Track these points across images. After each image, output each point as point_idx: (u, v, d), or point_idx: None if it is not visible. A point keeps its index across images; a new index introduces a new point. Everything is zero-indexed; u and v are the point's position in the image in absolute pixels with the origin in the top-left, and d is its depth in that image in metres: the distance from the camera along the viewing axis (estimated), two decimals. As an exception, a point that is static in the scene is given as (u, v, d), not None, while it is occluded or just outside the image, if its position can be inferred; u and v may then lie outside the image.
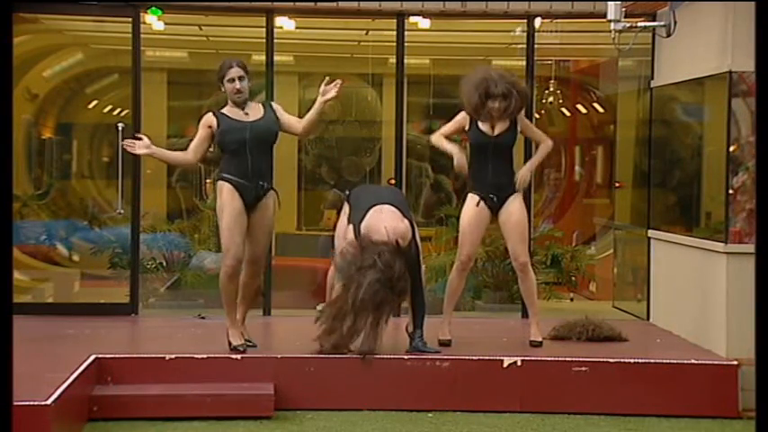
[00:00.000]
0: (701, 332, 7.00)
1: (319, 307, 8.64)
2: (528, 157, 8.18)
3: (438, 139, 6.86)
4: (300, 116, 6.70)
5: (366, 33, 9.13)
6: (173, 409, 5.98)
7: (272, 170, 6.65)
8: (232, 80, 6.40)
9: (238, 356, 6.33)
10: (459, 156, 6.69)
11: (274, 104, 6.67)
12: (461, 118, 6.82)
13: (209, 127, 6.45)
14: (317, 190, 10.67)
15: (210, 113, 6.50)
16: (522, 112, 6.81)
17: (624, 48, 7.64)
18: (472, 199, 6.79)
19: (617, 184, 9.30)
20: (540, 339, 6.85)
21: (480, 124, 6.74)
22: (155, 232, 9.21)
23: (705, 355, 6.68)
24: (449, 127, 6.87)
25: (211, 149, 6.55)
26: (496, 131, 6.71)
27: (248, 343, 6.54)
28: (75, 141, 10.28)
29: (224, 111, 6.50)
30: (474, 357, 6.46)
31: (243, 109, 6.45)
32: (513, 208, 6.76)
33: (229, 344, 6.45)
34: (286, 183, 9.66)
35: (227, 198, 6.37)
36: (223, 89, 6.48)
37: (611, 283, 9.34)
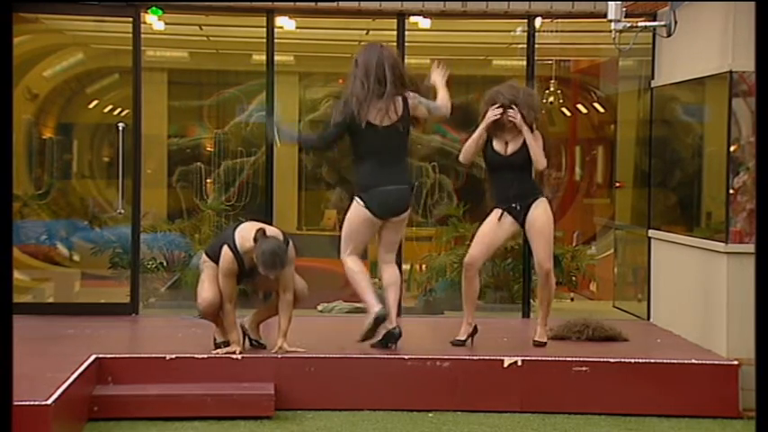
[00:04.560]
0: (702, 332, 7.00)
1: (320, 307, 8.68)
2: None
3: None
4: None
5: (366, 33, 9.12)
6: (173, 409, 5.99)
7: None
8: (267, 274, 6.23)
9: (239, 356, 6.34)
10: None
11: (290, 256, 6.31)
12: (487, 122, 6.75)
13: (233, 274, 6.33)
14: (318, 190, 10.67)
15: (233, 258, 6.25)
16: (530, 131, 6.71)
17: (624, 48, 7.64)
18: (494, 213, 6.81)
19: (617, 184, 9.30)
20: (544, 340, 6.86)
21: (494, 143, 6.75)
22: (155, 232, 9.21)
23: (705, 354, 6.68)
24: (476, 133, 6.79)
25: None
26: (509, 151, 6.73)
27: (257, 343, 6.62)
28: (76, 141, 10.27)
29: (242, 255, 6.26)
30: (474, 357, 6.46)
31: None
32: (536, 214, 6.74)
33: (214, 339, 6.61)
34: (286, 183, 9.67)
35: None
36: (257, 261, 6.15)
37: (612, 283, 9.34)
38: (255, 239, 6.16)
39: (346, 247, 6.63)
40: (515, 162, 6.71)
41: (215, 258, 6.38)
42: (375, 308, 6.43)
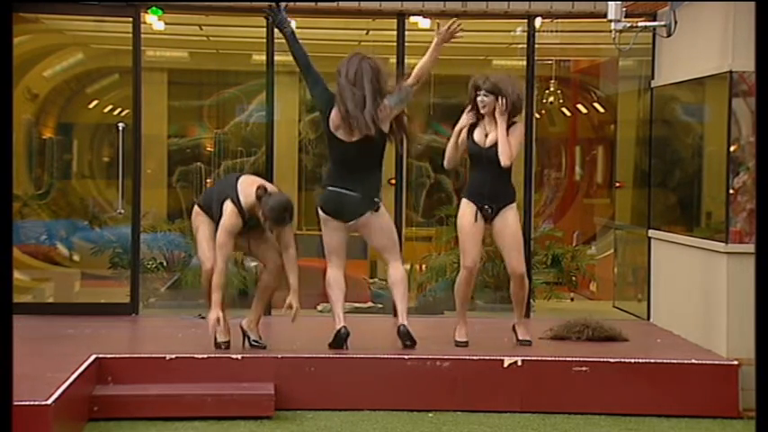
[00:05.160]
0: (702, 332, 7.00)
1: (320, 307, 8.68)
2: (528, 161, 8.21)
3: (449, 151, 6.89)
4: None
5: (366, 33, 9.13)
6: (173, 409, 5.99)
7: None
8: (273, 229, 6.33)
9: (238, 356, 6.34)
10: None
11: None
12: (460, 126, 6.80)
13: (236, 231, 6.35)
14: (318, 190, 10.66)
15: (237, 213, 6.29)
16: (504, 122, 6.66)
17: (624, 48, 7.64)
18: (467, 205, 6.75)
19: (617, 184, 9.30)
20: (528, 338, 6.88)
21: (475, 134, 6.75)
22: (155, 232, 9.21)
23: (705, 354, 6.68)
24: (452, 140, 6.85)
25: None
26: (488, 143, 6.71)
27: (257, 343, 6.62)
28: (76, 141, 10.29)
29: (246, 211, 6.31)
30: (474, 357, 6.46)
31: None
32: (509, 219, 6.72)
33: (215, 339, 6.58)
34: (286, 182, 9.66)
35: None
36: (265, 216, 6.22)
37: (612, 283, 9.34)
38: (258, 197, 6.21)
39: (327, 258, 6.73)
40: (492, 157, 6.64)
41: (209, 212, 6.40)
42: (338, 325, 6.54)
